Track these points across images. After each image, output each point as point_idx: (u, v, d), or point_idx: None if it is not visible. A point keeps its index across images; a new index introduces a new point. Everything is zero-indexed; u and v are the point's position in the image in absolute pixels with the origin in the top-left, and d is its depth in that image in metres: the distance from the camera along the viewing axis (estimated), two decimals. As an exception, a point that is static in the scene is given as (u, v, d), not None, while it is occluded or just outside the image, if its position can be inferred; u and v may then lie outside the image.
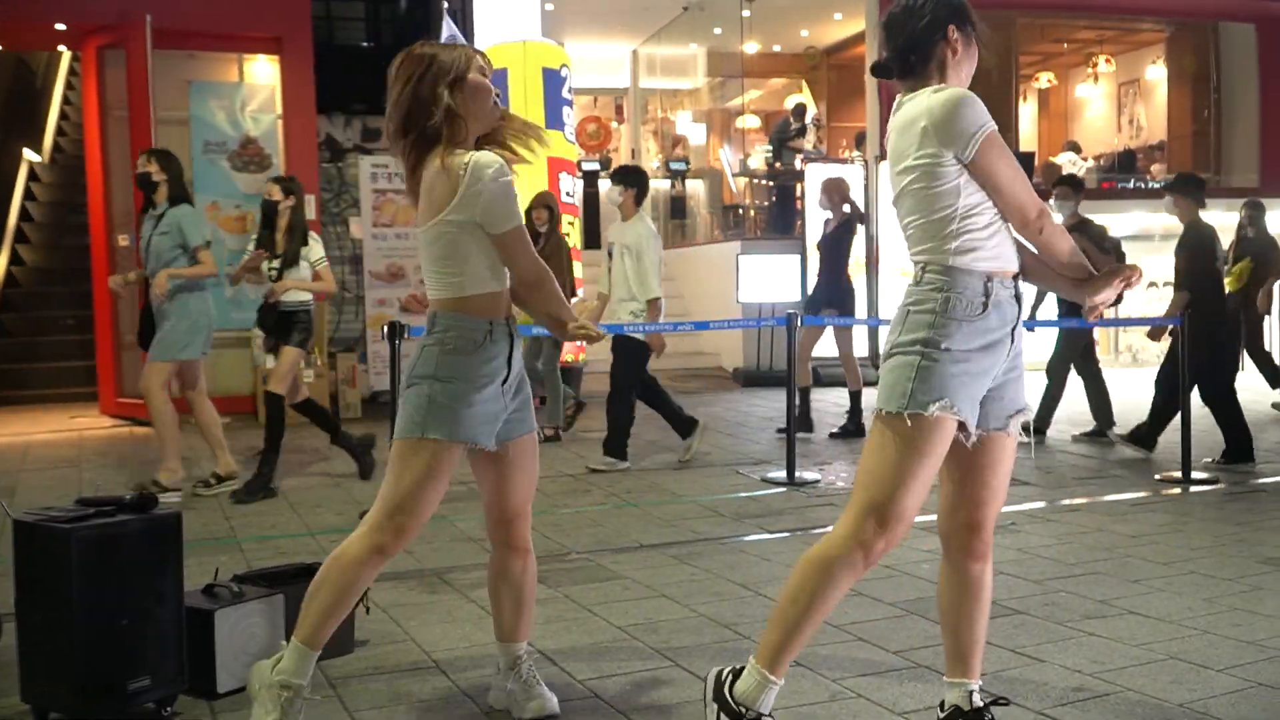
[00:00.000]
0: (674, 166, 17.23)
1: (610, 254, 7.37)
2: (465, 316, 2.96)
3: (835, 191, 8.57)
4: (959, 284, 2.65)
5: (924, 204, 2.70)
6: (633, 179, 7.37)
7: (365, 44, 17.70)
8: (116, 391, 9.99)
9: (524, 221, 3.03)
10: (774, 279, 11.53)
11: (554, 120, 10.49)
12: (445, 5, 9.74)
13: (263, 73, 10.57)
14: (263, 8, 10.06)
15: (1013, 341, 2.71)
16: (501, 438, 3.05)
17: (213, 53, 10.40)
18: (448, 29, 9.33)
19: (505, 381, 3.02)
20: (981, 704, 2.82)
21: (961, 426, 2.67)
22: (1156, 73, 17.12)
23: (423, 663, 3.63)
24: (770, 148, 15.02)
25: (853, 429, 8.29)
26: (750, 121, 16.47)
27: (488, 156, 2.91)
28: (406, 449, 2.94)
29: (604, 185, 16.59)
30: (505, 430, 3.06)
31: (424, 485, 2.94)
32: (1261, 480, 6.53)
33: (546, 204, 8.25)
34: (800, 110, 15.28)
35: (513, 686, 3.17)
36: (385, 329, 5.95)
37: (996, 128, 2.67)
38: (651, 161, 17.91)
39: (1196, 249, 7.09)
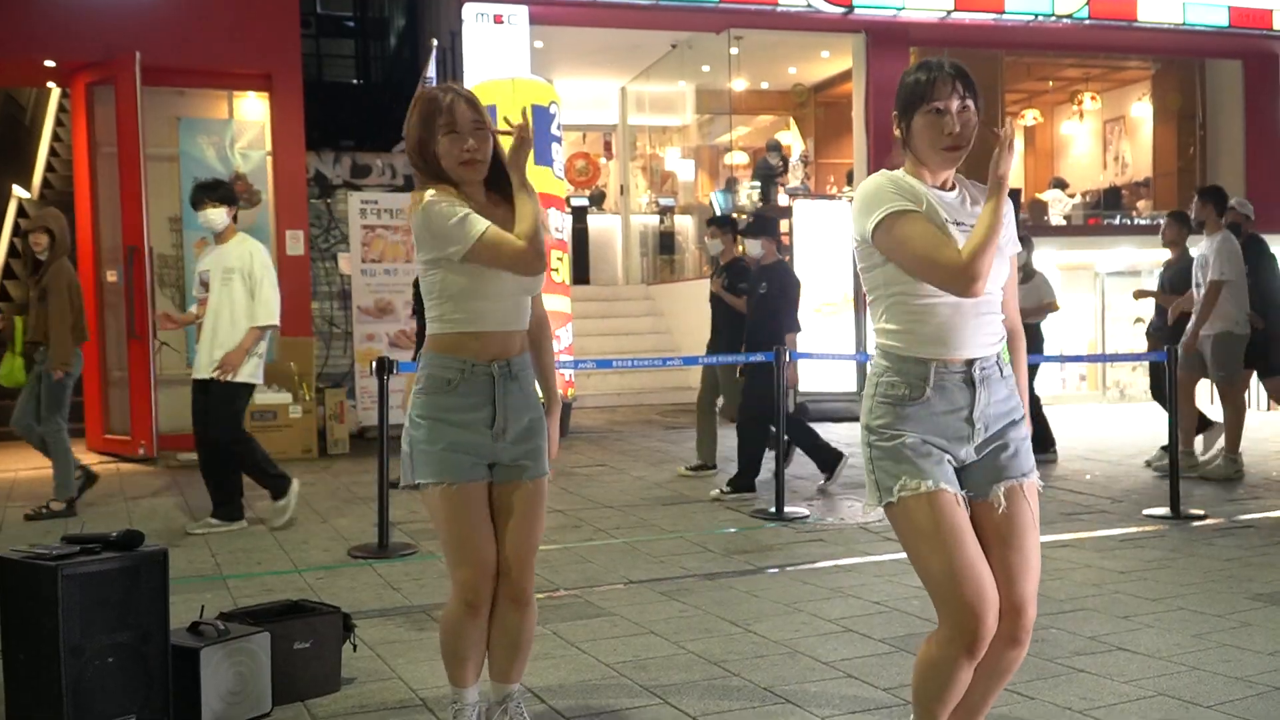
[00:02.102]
0: (663, 203, 17.30)
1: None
2: (437, 356, 2.97)
3: None
4: (893, 368, 2.61)
5: (865, 285, 2.73)
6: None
7: (355, 81, 17.79)
8: (104, 428, 9.95)
9: (475, 234, 2.87)
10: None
11: (543, 157, 10.54)
12: (434, 43, 9.80)
13: (252, 109, 10.61)
14: (252, 45, 10.11)
15: (974, 425, 2.58)
16: (499, 481, 2.99)
17: (202, 89, 10.45)
18: (430, 71, 9.40)
19: (493, 425, 2.95)
20: None
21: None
22: (1142, 110, 17.29)
23: (410, 701, 3.61)
24: (757, 184, 15.09)
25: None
26: (739, 158, 16.57)
27: (428, 191, 2.91)
28: (422, 499, 3.00)
29: (592, 220, 16.71)
30: (503, 475, 2.99)
31: (452, 529, 2.94)
32: (1250, 516, 6.54)
33: (46, 227, 7.02)
34: (774, 145, 15.38)
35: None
36: (373, 364, 5.96)
37: (899, 208, 2.56)
38: (640, 197, 17.99)
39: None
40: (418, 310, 7.39)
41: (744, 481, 7.37)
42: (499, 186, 3.03)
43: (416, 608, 4.72)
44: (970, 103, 2.61)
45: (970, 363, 2.60)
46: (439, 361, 2.95)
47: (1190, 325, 7.88)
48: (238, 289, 6.27)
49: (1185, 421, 7.86)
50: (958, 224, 2.60)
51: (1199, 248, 7.93)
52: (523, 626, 3.05)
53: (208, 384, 6.27)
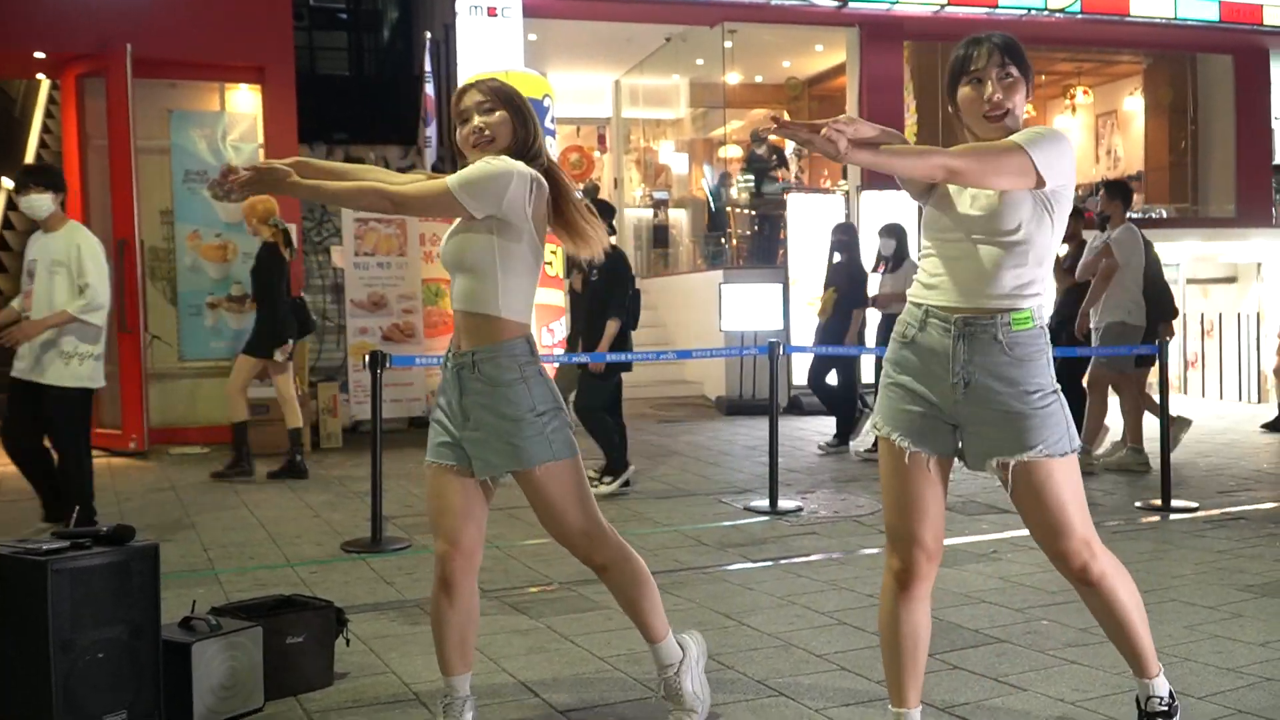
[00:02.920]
0: (657, 196, 17.28)
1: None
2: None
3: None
4: (906, 311, 2.83)
5: None
6: None
7: (347, 74, 17.74)
8: (95, 422, 9.90)
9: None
10: (756, 308, 11.55)
11: (536, 150, 10.52)
12: (428, 36, 9.77)
13: (244, 102, 10.57)
14: (245, 37, 10.07)
15: (955, 379, 2.66)
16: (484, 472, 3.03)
17: (194, 82, 10.39)
18: (428, 64, 9.37)
19: (450, 409, 3.04)
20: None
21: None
22: (1134, 104, 17.31)
23: (403, 695, 3.60)
24: (751, 177, 15.09)
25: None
26: (732, 151, 16.57)
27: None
28: None
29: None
30: (486, 463, 3.01)
31: (430, 508, 3.10)
32: (1241, 508, 6.55)
33: None
34: (759, 137, 15.37)
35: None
36: (366, 358, 5.95)
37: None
38: (635, 191, 17.97)
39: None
40: None
41: (613, 465, 7.27)
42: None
43: (410, 602, 4.71)
44: (1014, 71, 2.70)
45: (954, 313, 2.68)
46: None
47: (1083, 306, 7.84)
48: (61, 283, 5.71)
49: (1094, 421, 7.89)
50: None
51: (1096, 238, 7.98)
52: (617, 589, 3.18)
53: (36, 388, 5.72)
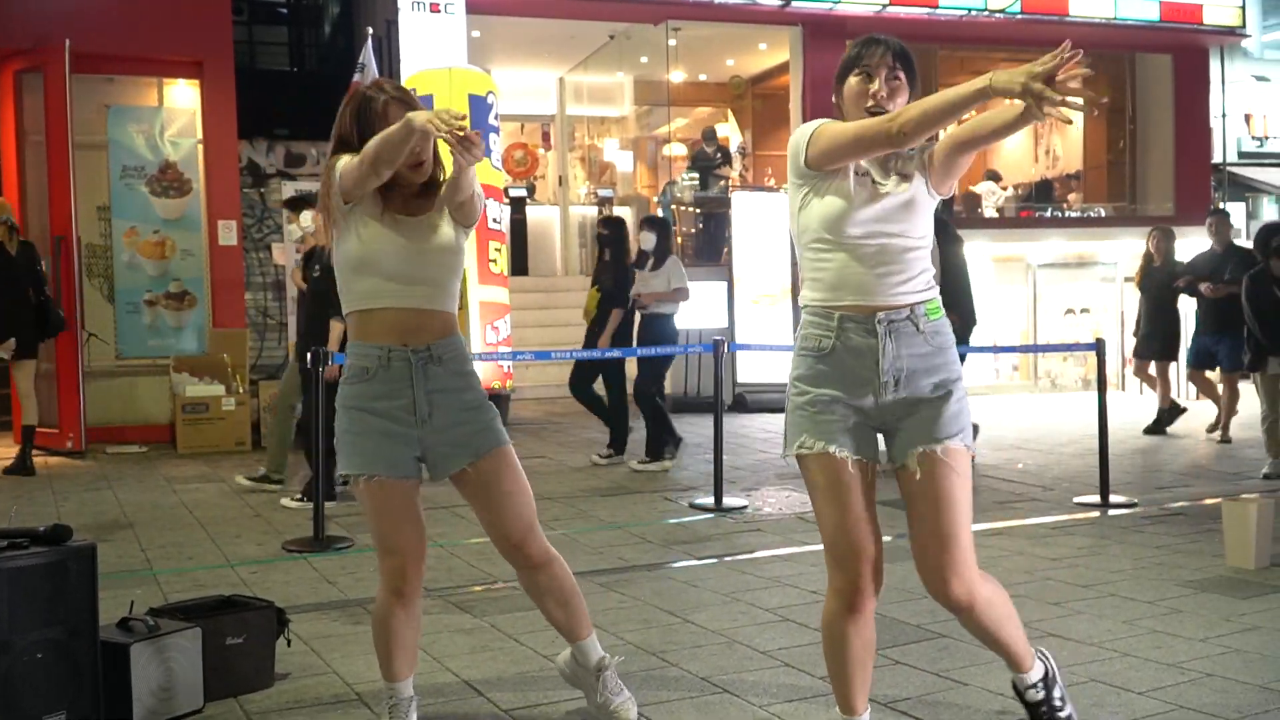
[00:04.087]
0: (602, 194, 17.27)
1: None
2: (359, 344, 2.99)
3: None
4: (808, 320, 2.73)
5: (795, 240, 2.81)
6: None
7: (289, 69, 17.53)
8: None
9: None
10: (701, 306, 11.57)
11: (481, 147, 10.46)
12: (369, 31, 9.69)
13: (183, 97, 10.43)
14: (183, 32, 9.93)
15: (886, 377, 2.65)
16: (446, 468, 3.00)
17: (132, 77, 10.25)
18: (365, 57, 9.28)
19: (415, 410, 2.95)
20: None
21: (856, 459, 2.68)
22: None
23: (345, 695, 3.57)
24: (695, 175, 15.13)
25: None
26: (677, 150, 16.59)
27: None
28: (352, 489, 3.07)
29: (531, 211, 16.66)
30: (447, 458, 2.99)
31: (374, 522, 3.02)
32: (1180, 504, 6.67)
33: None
34: (710, 135, 15.41)
35: (600, 700, 3.19)
36: (308, 357, 5.88)
37: (824, 121, 2.66)
38: (579, 188, 17.94)
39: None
40: None
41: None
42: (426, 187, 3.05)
43: (352, 601, 4.67)
44: (901, 75, 2.69)
45: (875, 312, 2.64)
46: (361, 350, 2.98)
47: None
48: None
49: None
50: (875, 181, 2.66)
51: None
52: (551, 585, 3.13)
53: None
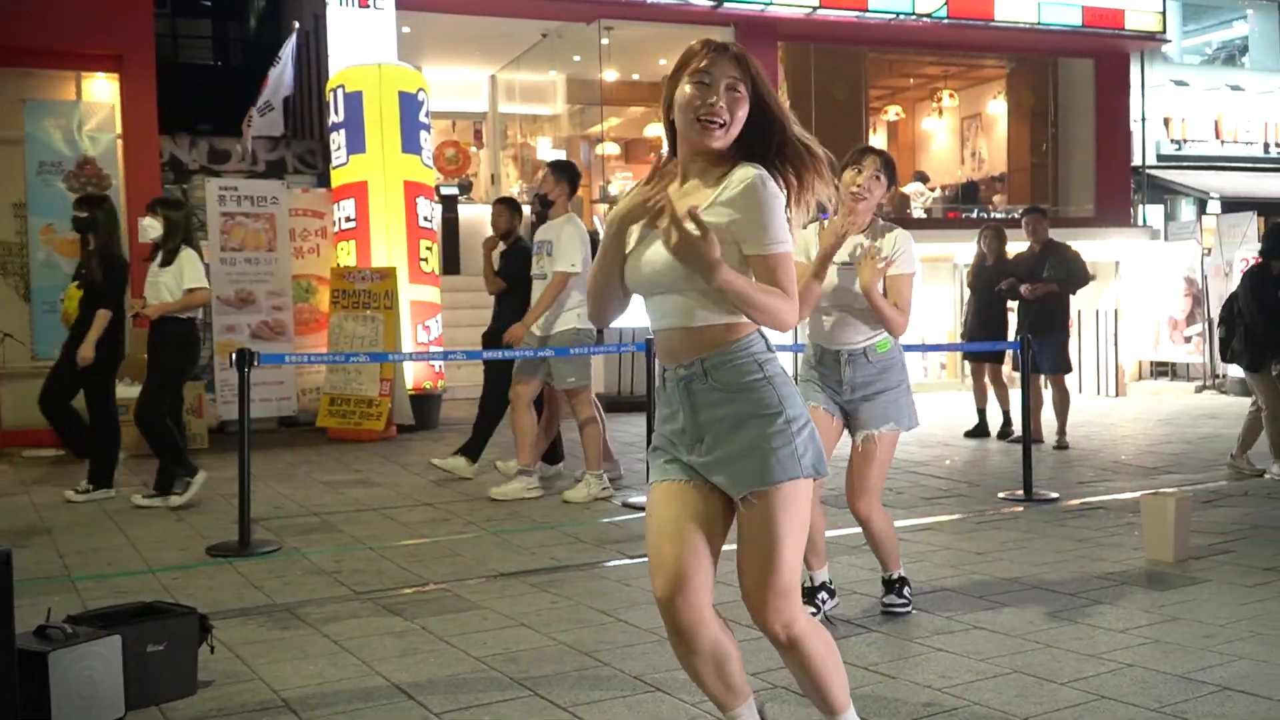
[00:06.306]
0: (535, 192, 17.21)
1: None
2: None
3: None
4: (808, 349, 4.17)
5: None
6: None
7: (213, 63, 17.24)
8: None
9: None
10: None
11: (411, 144, 10.39)
12: (295, 25, 9.55)
13: (102, 91, 10.21)
14: (102, 24, 9.72)
15: (846, 386, 4.17)
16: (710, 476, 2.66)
17: (49, 70, 10.01)
18: (285, 51, 9.15)
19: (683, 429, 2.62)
20: None
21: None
22: (998, 107, 17.84)
23: (271, 702, 3.51)
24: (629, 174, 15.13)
25: None
26: (610, 149, 16.57)
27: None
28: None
29: (463, 209, 16.56)
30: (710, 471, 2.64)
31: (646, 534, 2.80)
32: (1100, 498, 6.80)
33: None
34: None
35: None
36: (233, 356, 5.78)
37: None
38: (512, 187, 17.86)
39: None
40: None
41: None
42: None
43: (279, 606, 4.59)
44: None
45: (842, 347, 3.89)
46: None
47: (527, 316, 6.98)
48: None
49: (523, 437, 7.08)
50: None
51: (541, 231, 7.16)
52: (796, 668, 2.73)
53: None
